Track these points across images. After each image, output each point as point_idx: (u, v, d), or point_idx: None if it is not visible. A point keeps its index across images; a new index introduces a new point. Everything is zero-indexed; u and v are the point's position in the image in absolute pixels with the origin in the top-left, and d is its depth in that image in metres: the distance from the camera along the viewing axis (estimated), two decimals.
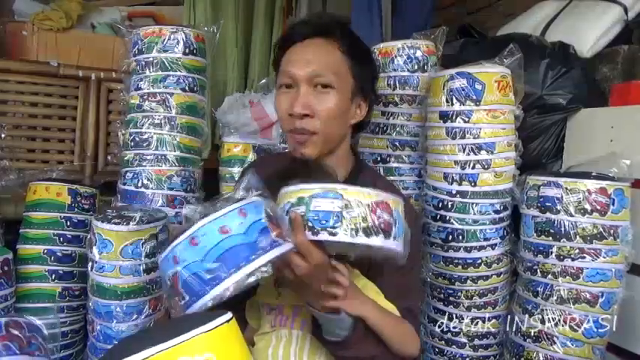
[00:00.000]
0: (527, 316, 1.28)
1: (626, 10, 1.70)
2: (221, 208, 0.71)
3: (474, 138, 1.31)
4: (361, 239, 0.74)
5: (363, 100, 1.10)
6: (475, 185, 1.32)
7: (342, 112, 1.04)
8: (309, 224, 0.75)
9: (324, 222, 0.74)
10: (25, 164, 2.02)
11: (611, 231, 1.18)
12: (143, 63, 1.47)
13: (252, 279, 0.69)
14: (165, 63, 1.45)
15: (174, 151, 1.46)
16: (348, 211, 0.74)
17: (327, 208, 0.74)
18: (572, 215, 1.20)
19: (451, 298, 1.40)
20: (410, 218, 1.03)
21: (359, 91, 1.07)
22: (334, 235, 0.74)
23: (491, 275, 1.37)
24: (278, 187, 0.86)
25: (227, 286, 0.68)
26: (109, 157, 2.13)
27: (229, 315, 0.63)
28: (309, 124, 1.01)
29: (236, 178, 1.96)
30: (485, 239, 1.35)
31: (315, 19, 1.11)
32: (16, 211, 1.74)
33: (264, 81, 2.24)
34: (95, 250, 1.26)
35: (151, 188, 1.44)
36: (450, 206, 1.36)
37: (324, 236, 0.74)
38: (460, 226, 1.35)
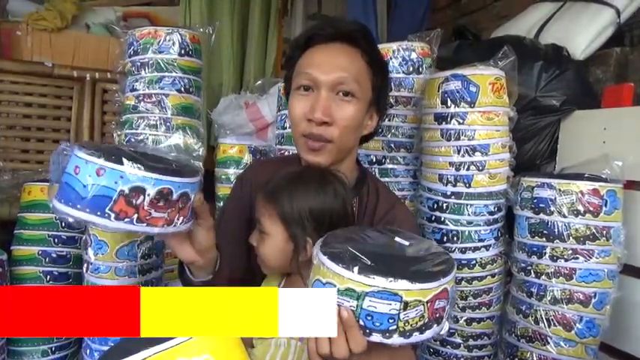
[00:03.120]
0: (521, 316, 1.29)
1: (618, 13, 1.72)
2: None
3: (469, 139, 1.32)
4: (415, 338, 0.67)
5: (376, 111, 1.07)
6: (470, 186, 1.33)
7: (359, 122, 1.02)
8: (361, 322, 0.66)
9: (378, 324, 0.65)
10: (19, 165, 2.02)
11: (604, 232, 1.20)
12: (138, 64, 1.47)
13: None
14: (161, 64, 1.45)
15: (170, 152, 1.46)
16: (407, 312, 0.65)
17: (384, 310, 0.65)
18: (565, 216, 1.21)
19: None
20: (411, 223, 1.03)
21: (375, 102, 1.04)
22: (388, 338, 0.66)
23: (486, 276, 1.38)
24: (288, 192, 0.87)
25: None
26: None
27: None
28: (327, 131, 0.97)
29: (232, 179, 1.97)
30: (480, 240, 1.36)
31: (341, 23, 1.05)
32: (10, 211, 1.73)
33: (259, 82, 2.24)
34: (90, 251, 1.25)
35: None
36: (444, 207, 1.37)
37: (376, 338, 0.66)
38: (455, 227, 1.36)
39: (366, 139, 1.12)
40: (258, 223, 0.94)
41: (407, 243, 0.76)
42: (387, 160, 1.57)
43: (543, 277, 1.24)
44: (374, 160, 1.59)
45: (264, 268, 0.97)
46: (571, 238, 1.21)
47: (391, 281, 0.64)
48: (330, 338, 0.68)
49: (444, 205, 1.37)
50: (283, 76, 1.12)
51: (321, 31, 1.02)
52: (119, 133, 1.51)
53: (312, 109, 0.96)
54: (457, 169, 1.34)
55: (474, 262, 1.37)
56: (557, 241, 1.22)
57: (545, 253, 1.24)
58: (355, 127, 1.01)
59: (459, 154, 1.33)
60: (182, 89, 1.47)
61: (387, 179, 1.57)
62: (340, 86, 0.97)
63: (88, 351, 1.32)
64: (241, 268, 1.05)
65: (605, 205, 1.20)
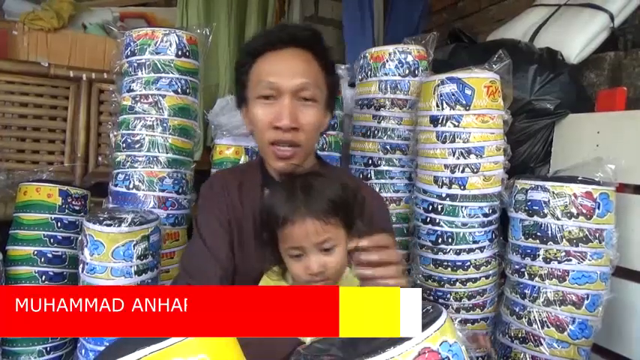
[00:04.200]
0: (514, 317, 1.30)
1: (612, 18, 1.74)
2: None
3: (464, 142, 1.33)
4: None
5: (329, 110, 1.11)
6: (464, 189, 1.34)
7: (321, 124, 1.06)
8: None
9: None
10: (14, 165, 2.01)
11: (597, 234, 1.21)
12: (135, 65, 1.47)
13: None
14: (158, 65, 1.45)
15: (166, 153, 1.46)
16: None
17: None
18: (558, 219, 1.22)
19: (440, 300, 1.42)
20: (379, 201, 1.07)
21: (329, 102, 1.09)
22: None
23: (480, 277, 1.39)
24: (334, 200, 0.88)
25: None
26: (99, 158, 2.12)
27: None
28: (296, 136, 1.00)
29: None
30: (474, 242, 1.37)
31: (293, 28, 1.07)
32: (5, 212, 1.73)
33: None
34: (86, 251, 1.25)
35: (143, 190, 1.44)
36: (439, 209, 1.38)
37: None
38: (449, 229, 1.37)
39: (320, 134, 1.17)
40: (318, 245, 0.90)
41: None
42: (383, 162, 1.58)
43: (537, 278, 1.25)
44: (369, 161, 1.60)
45: (332, 281, 0.93)
46: (564, 240, 1.22)
47: None
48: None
49: (439, 207, 1.38)
50: (234, 79, 1.13)
51: (273, 37, 1.04)
52: (115, 133, 1.51)
53: (277, 117, 0.99)
54: (452, 172, 1.35)
55: (469, 263, 1.38)
56: (551, 243, 1.23)
57: (538, 255, 1.25)
58: (318, 129, 1.06)
59: (454, 156, 1.34)
60: (179, 90, 1.47)
61: (382, 181, 1.58)
62: (302, 92, 1.00)
63: (83, 351, 1.31)
64: (232, 269, 1.05)
65: (598, 208, 1.21)
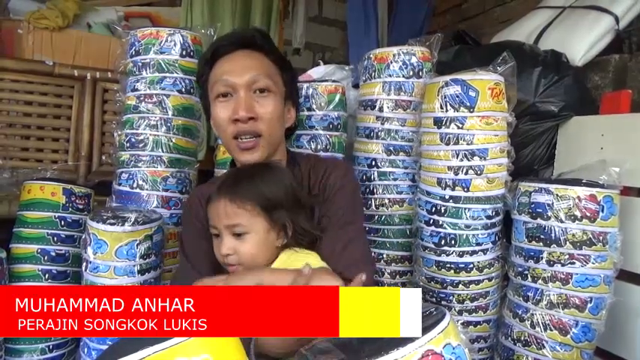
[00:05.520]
0: (517, 320, 1.30)
1: (617, 20, 1.73)
2: None
3: (468, 144, 1.33)
4: None
5: (292, 105, 1.17)
6: (468, 191, 1.34)
7: (280, 114, 1.11)
8: None
9: None
10: (18, 163, 2.01)
11: (601, 237, 1.21)
12: (140, 64, 1.47)
13: None
14: (162, 65, 1.45)
15: (170, 153, 1.46)
16: None
17: None
18: (562, 221, 1.22)
19: (443, 302, 1.42)
20: (337, 175, 1.11)
21: (289, 96, 1.14)
22: None
23: (483, 280, 1.39)
24: (256, 184, 0.95)
25: None
26: (103, 157, 2.13)
27: None
28: (255, 126, 1.05)
29: None
30: (478, 244, 1.37)
31: (240, 32, 1.18)
32: (9, 210, 1.73)
33: None
34: (90, 250, 1.26)
35: (146, 189, 1.44)
36: (443, 211, 1.38)
37: None
38: (453, 231, 1.37)
39: (290, 132, 1.22)
40: (229, 228, 0.97)
41: None
42: (386, 164, 1.58)
43: (540, 281, 1.25)
44: (373, 163, 1.60)
45: (244, 267, 0.98)
46: (568, 243, 1.22)
47: None
48: None
49: (443, 208, 1.38)
50: (198, 95, 1.21)
51: (223, 42, 1.13)
52: (119, 132, 1.51)
53: (235, 110, 1.05)
54: (456, 174, 1.34)
55: (472, 265, 1.37)
56: (554, 245, 1.23)
57: (542, 258, 1.25)
58: (278, 119, 1.10)
59: (457, 158, 1.34)
60: (183, 90, 1.48)
61: (385, 182, 1.58)
62: (255, 84, 1.06)
63: (85, 349, 1.32)
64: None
65: (602, 211, 1.20)
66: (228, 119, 1.06)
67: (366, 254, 1.10)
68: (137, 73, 1.48)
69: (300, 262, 0.93)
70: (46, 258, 1.47)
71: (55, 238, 1.48)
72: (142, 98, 1.47)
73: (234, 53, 1.10)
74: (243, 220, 0.95)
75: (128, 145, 1.47)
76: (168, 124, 1.46)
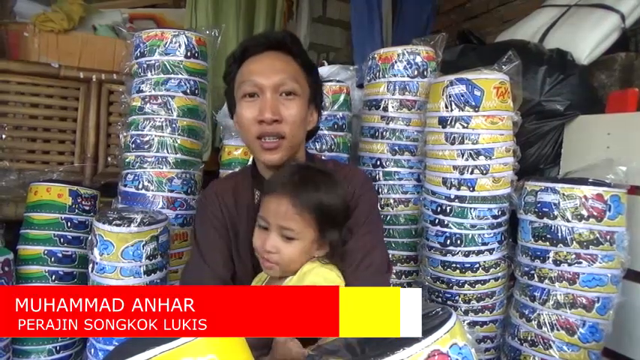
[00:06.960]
0: (524, 320, 1.29)
1: (623, 18, 1.72)
2: None
3: (473, 143, 1.32)
4: None
5: (314, 108, 1.17)
6: (473, 190, 1.34)
7: (304, 118, 1.11)
8: None
9: None
10: (25, 165, 2.02)
11: (608, 237, 1.20)
12: (145, 66, 1.48)
13: None
14: (167, 66, 1.46)
15: (175, 154, 1.47)
16: None
17: None
18: (568, 221, 1.21)
19: (449, 302, 1.41)
20: (361, 178, 1.12)
21: (312, 99, 1.15)
22: None
23: (489, 279, 1.38)
24: (319, 196, 0.94)
25: None
26: (109, 159, 2.13)
27: None
28: (279, 128, 1.06)
29: None
30: (484, 244, 1.36)
31: (270, 34, 1.17)
32: (16, 211, 1.74)
33: None
34: (96, 251, 1.26)
35: (152, 190, 1.45)
36: (448, 211, 1.37)
37: None
38: (458, 231, 1.36)
39: (311, 135, 1.22)
40: (280, 229, 0.97)
41: None
42: (391, 163, 1.58)
43: (546, 281, 1.24)
44: (378, 162, 1.59)
45: (277, 271, 0.99)
46: (574, 242, 1.21)
47: None
48: None
49: (448, 208, 1.37)
50: (224, 91, 1.20)
51: (253, 42, 1.13)
52: (125, 134, 1.52)
53: (261, 112, 1.05)
54: (461, 173, 1.34)
55: (478, 265, 1.37)
56: (561, 245, 1.22)
57: (548, 258, 1.24)
58: (301, 122, 1.10)
59: (462, 157, 1.33)
60: (188, 91, 1.48)
61: (390, 182, 1.58)
62: (282, 87, 1.06)
63: (92, 350, 1.32)
64: (230, 277, 1.10)
65: (609, 210, 1.20)
66: (253, 119, 1.07)
67: (384, 263, 1.09)
68: (142, 74, 1.48)
69: (320, 276, 0.95)
70: (52, 259, 1.48)
71: (62, 240, 1.49)
72: (147, 99, 1.47)
73: (263, 54, 1.10)
74: (298, 227, 0.95)
75: (133, 146, 1.47)
76: (174, 125, 1.46)
